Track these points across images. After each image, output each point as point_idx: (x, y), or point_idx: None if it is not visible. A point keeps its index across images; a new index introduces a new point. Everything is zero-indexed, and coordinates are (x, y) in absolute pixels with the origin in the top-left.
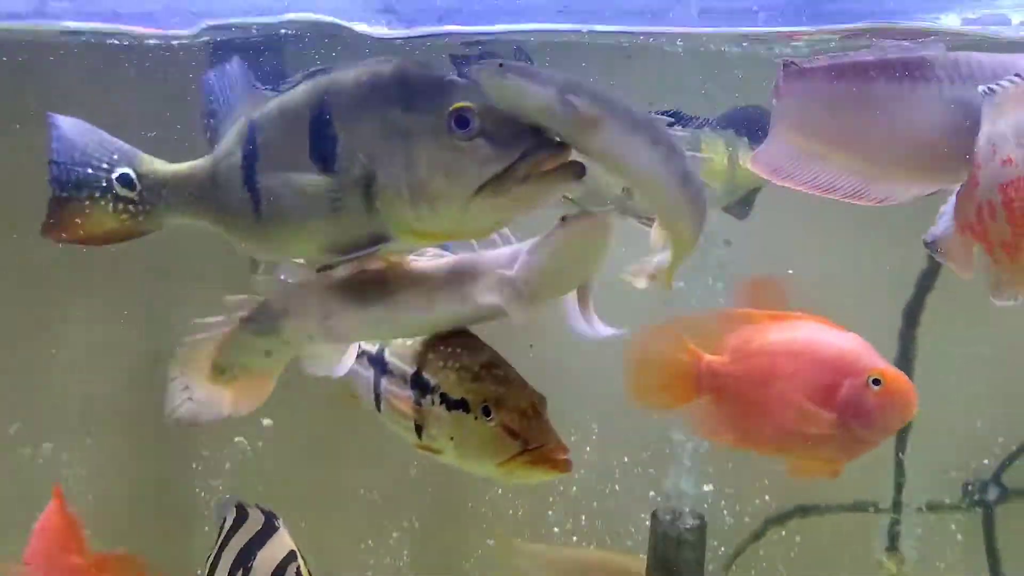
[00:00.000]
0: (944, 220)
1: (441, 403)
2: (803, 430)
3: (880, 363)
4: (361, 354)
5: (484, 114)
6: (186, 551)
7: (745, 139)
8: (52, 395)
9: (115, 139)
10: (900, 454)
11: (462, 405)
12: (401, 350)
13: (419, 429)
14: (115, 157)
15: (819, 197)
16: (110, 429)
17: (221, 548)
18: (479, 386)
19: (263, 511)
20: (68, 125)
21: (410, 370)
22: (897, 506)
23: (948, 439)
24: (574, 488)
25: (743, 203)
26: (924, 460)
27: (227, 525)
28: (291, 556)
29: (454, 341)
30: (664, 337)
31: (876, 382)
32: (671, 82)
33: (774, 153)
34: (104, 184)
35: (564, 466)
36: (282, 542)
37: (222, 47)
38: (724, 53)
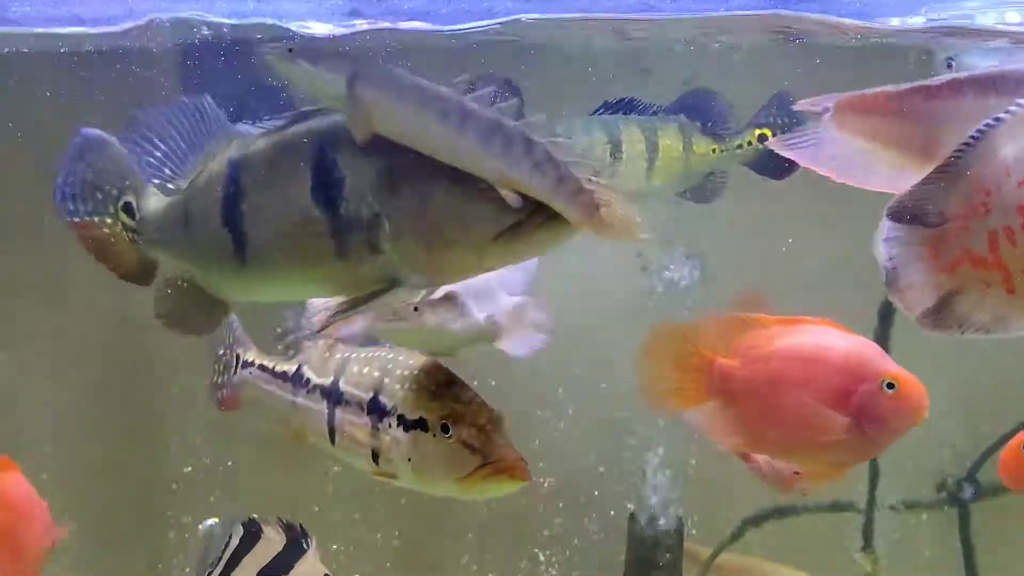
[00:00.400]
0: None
1: (399, 425)
2: (816, 434)
3: (892, 367)
4: (313, 388)
5: None
6: (155, 558)
7: (697, 123)
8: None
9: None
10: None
11: (420, 424)
12: (357, 378)
13: (376, 456)
14: (127, 183)
15: (790, 196)
16: (78, 438)
17: (226, 572)
18: (437, 405)
19: (286, 528)
20: (92, 143)
21: (366, 396)
22: (872, 506)
23: (923, 438)
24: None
25: (704, 188)
26: (899, 460)
27: (231, 545)
28: None
29: (411, 364)
30: (675, 338)
31: (890, 386)
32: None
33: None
34: (112, 211)
35: (522, 475)
36: (313, 569)
37: (191, 50)
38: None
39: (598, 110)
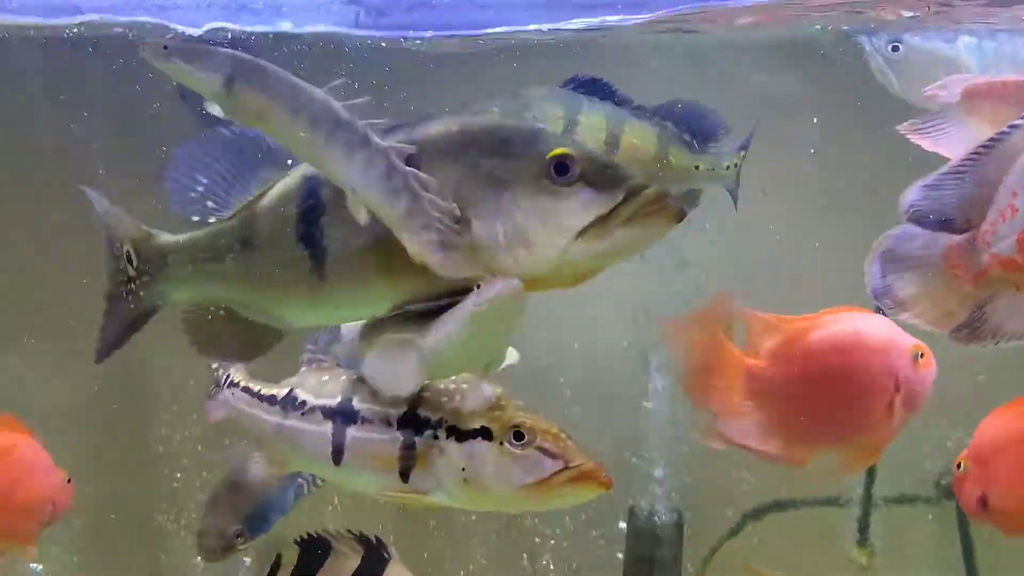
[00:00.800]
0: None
1: (448, 436)
2: (866, 421)
3: (912, 338)
4: (311, 409)
5: (583, 160)
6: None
7: (685, 135)
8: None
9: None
10: None
11: (481, 434)
12: (375, 393)
13: (404, 472)
14: (123, 234)
15: (787, 193)
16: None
17: None
18: (503, 414)
19: (361, 540)
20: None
21: (395, 412)
22: (869, 499)
23: (921, 431)
24: None
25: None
26: (896, 453)
27: (286, 567)
28: None
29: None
30: (711, 337)
31: (917, 357)
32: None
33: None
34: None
35: (606, 481)
36: None
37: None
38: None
39: (568, 84)
